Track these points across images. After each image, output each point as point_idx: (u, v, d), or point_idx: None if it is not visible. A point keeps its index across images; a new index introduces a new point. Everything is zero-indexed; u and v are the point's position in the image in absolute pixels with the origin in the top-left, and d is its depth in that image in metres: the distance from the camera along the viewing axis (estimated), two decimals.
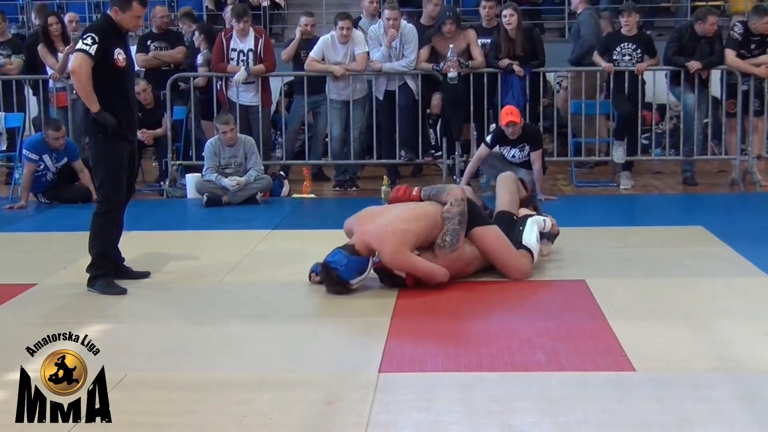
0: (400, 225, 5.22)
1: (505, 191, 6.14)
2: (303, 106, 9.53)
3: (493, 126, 9.52)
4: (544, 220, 5.93)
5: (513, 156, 8.49)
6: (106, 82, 5.39)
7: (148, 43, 9.86)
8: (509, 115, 8.26)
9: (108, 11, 5.55)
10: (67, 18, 10.33)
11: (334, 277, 5.18)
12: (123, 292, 5.41)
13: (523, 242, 5.64)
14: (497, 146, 8.48)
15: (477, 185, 9.10)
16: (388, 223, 5.24)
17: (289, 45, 9.71)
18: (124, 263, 5.75)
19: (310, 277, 5.53)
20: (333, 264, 5.18)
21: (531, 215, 5.97)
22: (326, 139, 9.66)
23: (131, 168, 5.74)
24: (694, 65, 8.93)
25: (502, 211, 5.98)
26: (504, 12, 8.93)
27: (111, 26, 5.48)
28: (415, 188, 5.68)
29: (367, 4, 9.65)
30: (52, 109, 9.83)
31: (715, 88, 9.43)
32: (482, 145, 8.55)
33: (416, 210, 5.39)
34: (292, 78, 10.13)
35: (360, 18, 9.87)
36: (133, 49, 9.44)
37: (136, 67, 9.15)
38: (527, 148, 8.41)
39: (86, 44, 5.33)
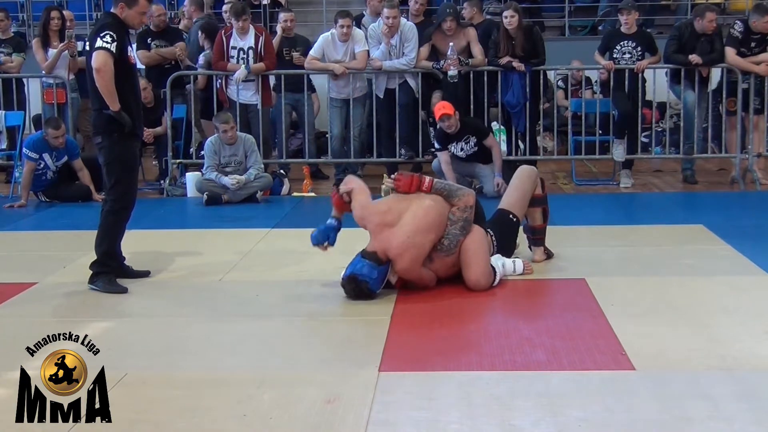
0: (420, 239, 5.16)
1: (517, 191, 5.80)
2: (287, 105, 9.55)
3: (494, 124, 9.54)
4: (514, 262, 5.55)
5: (461, 150, 8.45)
6: (120, 79, 5.37)
7: (149, 40, 9.83)
8: (442, 108, 8.23)
9: (111, 9, 5.53)
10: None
11: (365, 290, 5.11)
12: (124, 290, 5.41)
13: (492, 262, 5.42)
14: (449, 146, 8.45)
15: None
16: (410, 234, 5.15)
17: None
18: (125, 262, 5.75)
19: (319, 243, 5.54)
20: (363, 277, 5.09)
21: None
22: (326, 136, 9.67)
23: None
24: (694, 59, 8.93)
25: (502, 210, 5.76)
26: (505, 13, 8.89)
27: (119, 23, 5.47)
28: (427, 179, 5.41)
29: (376, 2, 9.56)
30: (45, 106, 9.77)
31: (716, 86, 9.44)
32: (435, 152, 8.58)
33: (430, 214, 5.24)
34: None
35: (363, 15, 9.86)
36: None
37: (138, 65, 9.12)
38: (472, 140, 8.40)
39: (107, 42, 5.29)
